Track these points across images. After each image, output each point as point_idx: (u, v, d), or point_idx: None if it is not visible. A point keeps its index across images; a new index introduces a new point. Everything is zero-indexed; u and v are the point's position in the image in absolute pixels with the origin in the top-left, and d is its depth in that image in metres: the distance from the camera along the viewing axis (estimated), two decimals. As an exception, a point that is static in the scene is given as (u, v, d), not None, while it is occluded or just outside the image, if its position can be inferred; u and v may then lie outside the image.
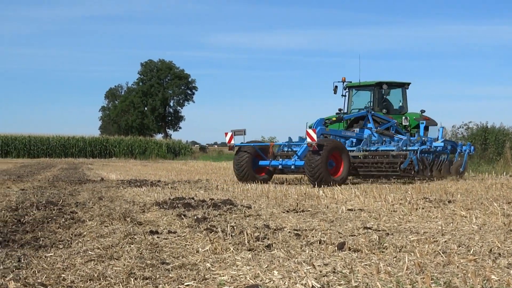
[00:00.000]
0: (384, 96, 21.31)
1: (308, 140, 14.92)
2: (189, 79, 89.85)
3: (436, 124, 20.43)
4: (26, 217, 8.07)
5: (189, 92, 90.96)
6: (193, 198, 10.97)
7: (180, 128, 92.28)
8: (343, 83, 21.15)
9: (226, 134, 16.67)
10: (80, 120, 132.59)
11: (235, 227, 6.97)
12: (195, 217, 7.90)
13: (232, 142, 16.42)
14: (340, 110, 21.39)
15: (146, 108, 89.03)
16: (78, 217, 8.04)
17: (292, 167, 15.91)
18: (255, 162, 16.55)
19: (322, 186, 14.27)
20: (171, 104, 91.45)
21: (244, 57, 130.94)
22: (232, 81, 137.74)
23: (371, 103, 20.82)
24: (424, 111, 20.80)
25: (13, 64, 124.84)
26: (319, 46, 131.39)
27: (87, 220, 7.70)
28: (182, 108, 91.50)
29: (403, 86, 21.54)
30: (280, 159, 16.28)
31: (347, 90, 21.37)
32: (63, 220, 7.75)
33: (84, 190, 13.31)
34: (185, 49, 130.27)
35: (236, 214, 8.51)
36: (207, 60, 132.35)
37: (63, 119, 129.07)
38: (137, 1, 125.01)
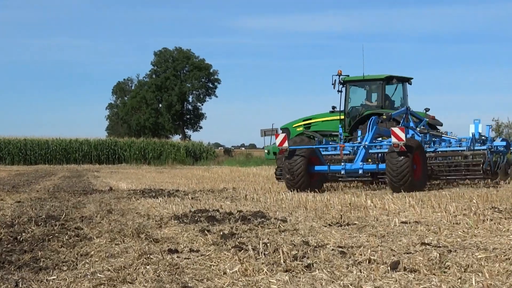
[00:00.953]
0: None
1: (394, 140, 15.20)
2: (211, 70, 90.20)
3: (441, 124, 21.57)
4: (23, 234, 8.16)
5: (211, 85, 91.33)
6: (218, 210, 11.00)
7: (200, 128, 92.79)
8: (339, 76, 22.01)
9: (277, 135, 16.79)
10: (83, 120, 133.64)
11: (268, 244, 6.98)
12: (221, 233, 7.92)
13: (285, 144, 16.49)
14: (333, 107, 22.74)
15: (160, 105, 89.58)
16: (84, 234, 8.11)
17: (360, 171, 16.24)
18: (309, 167, 16.67)
19: (402, 191, 14.47)
20: (190, 100, 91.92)
21: (275, 44, 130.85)
22: (261, 72, 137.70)
23: (380, 99, 22.09)
24: (428, 109, 21.53)
25: (6, 57, 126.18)
26: (367, 29, 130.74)
27: (95, 238, 7.76)
28: (202, 105, 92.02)
29: (406, 81, 22.62)
30: (343, 163, 16.46)
31: (344, 85, 22.28)
32: (66, 237, 7.82)
33: (90, 202, 13.42)
34: (205, 35, 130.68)
35: (269, 228, 8.51)
36: (231, 48, 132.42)
37: (64, 119, 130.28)
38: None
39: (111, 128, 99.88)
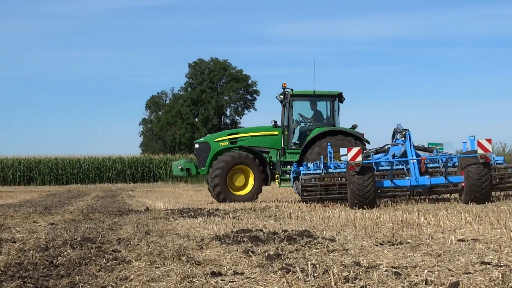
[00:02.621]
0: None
1: (480, 151, 15.63)
2: (249, 82, 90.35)
3: (369, 142, 22.09)
4: (59, 258, 8.25)
5: (249, 97, 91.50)
6: (261, 230, 11.01)
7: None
8: (284, 89, 22.39)
9: (349, 149, 16.66)
10: (116, 137, 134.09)
11: (317, 265, 6.96)
12: (266, 254, 7.93)
13: (358, 159, 16.48)
14: (275, 122, 22.81)
15: (196, 119, 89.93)
16: (122, 257, 8.17)
17: (428, 185, 16.73)
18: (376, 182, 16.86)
19: (470, 204, 14.88)
20: (228, 113, 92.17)
21: (316, 51, 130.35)
22: (302, 82, 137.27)
23: (331, 115, 22.74)
24: (356, 126, 22.26)
25: (33, 71, 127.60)
26: (418, 34, 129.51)
27: (134, 261, 7.82)
28: (241, 118, 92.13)
29: (337, 97, 22.94)
30: (407, 178, 16.79)
31: (288, 98, 22.39)
32: (104, 261, 7.89)
33: (126, 223, 13.52)
34: (242, 44, 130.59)
35: (317, 248, 8.49)
36: (270, 57, 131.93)
37: (96, 136, 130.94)
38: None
39: (145, 145, 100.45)
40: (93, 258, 8.14)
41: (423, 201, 17.68)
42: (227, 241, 9.54)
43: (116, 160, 63.43)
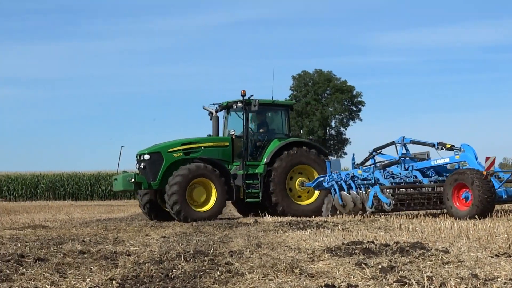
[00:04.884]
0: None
1: None
2: (354, 93, 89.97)
3: (327, 155, 22.45)
4: (174, 270, 8.37)
5: (354, 108, 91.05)
6: (372, 242, 10.94)
7: (345, 154, 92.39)
8: (243, 97, 21.70)
9: (487, 158, 16.66)
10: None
11: (433, 277, 6.87)
12: (380, 266, 7.87)
13: (492, 168, 16.48)
14: (233, 131, 21.68)
15: (301, 131, 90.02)
16: (235, 270, 8.24)
17: None
18: None
19: None
20: (333, 124, 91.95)
21: (423, 60, 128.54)
22: (409, 92, 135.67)
23: (287, 125, 22.48)
24: (312, 139, 21.80)
25: (142, 87, 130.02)
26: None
27: (247, 273, 7.87)
28: (346, 129, 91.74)
29: (290, 107, 23.11)
30: None
31: (245, 107, 21.71)
32: (218, 273, 7.97)
33: (237, 236, 13.63)
34: (346, 54, 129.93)
35: (431, 260, 8.39)
36: (375, 67, 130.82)
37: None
38: (286, 2, 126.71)
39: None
40: (207, 270, 8.23)
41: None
42: (338, 253, 9.52)
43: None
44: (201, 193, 20.48)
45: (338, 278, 7.29)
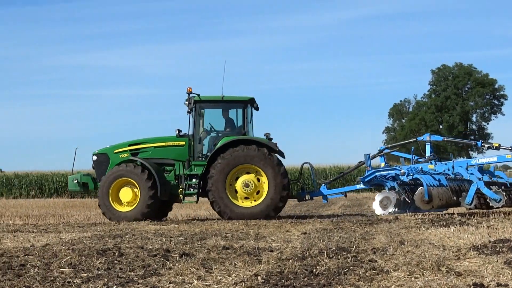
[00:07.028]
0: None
1: None
2: (496, 86, 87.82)
3: (283, 154, 20.39)
4: (317, 267, 8.41)
5: (496, 102, 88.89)
6: (520, 240, 10.65)
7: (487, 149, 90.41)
8: (189, 95, 20.36)
9: None
10: (359, 147, 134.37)
11: None
12: (530, 265, 7.66)
13: None
14: (179, 131, 20.54)
15: (441, 126, 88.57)
16: (379, 267, 8.19)
17: None
18: None
19: None
20: (474, 119, 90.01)
21: None
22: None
23: (242, 123, 20.68)
24: (269, 135, 20.48)
25: (273, 84, 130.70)
26: None
27: (391, 271, 7.82)
28: (488, 124, 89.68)
29: (248, 103, 20.88)
30: None
31: (193, 105, 20.35)
32: (362, 270, 7.95)
33: (378, 233, 13.53)
34: (487, 47, 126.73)
35: None
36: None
37: (338, 146, 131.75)
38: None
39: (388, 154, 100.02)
40: (351, 267, 8.22)
41: None
42: (485, 251, 9.32)
43: (361, 169, 63.60)
44: (128, 194, 19.83)
45: (486, 277, 7.14)
